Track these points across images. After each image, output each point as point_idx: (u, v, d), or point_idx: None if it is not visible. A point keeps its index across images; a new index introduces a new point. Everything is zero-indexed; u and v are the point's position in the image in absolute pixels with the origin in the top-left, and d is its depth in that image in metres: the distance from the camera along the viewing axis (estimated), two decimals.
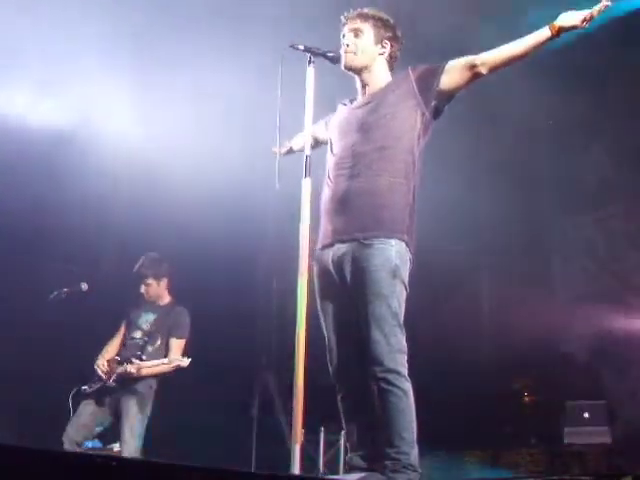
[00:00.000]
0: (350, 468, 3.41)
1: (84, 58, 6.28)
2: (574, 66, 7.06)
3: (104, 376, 5.67)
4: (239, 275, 7.59)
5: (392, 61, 3.64)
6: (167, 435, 6.73)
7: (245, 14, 6.22)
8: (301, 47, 3.46)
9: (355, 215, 3.37)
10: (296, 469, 3.13)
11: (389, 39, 3.61)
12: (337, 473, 6.56)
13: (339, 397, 3.44)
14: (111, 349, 5.88)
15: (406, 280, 3.34)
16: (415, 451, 3.21)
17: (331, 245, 3.40)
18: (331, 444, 7.18)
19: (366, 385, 3.28)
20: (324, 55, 3.53)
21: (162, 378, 5.78)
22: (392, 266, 3.27)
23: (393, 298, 3.26)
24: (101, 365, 5.71)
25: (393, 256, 3.28)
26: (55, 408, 6.14)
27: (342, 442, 7.12)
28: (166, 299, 6.00)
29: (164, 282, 5.97)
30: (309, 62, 3.48)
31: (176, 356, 5.62)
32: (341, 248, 3.37)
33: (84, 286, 6.09)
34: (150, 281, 5.91)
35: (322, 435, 7.17)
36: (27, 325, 6.49)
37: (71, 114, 6.61)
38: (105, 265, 7.14)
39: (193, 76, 6.53)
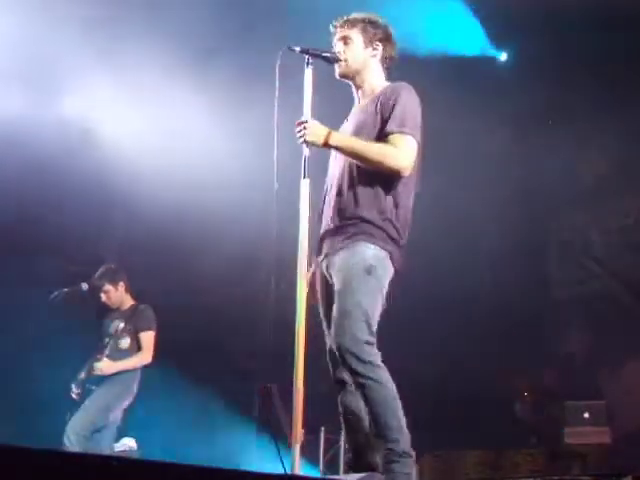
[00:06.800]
0: (350, 468, 3.41)
1: (96, 60, 6.31)
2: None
3: (76, 397, 5.86)
4: (240, 275, 7.60)
5: (387, 61, 3.61)
6: (167, 434, 6.74)
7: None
8: (297, 49, 3.47)
9: (344, 227, 3.38)
10: (296, 469, 3.13)
11: (380, 40, 3.56)
12: (337, 473, 6.56)
13: (339, 399, 3.44)
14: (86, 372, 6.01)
15: (383, 282, 3.30)
16: (405, 437, 3.20)
17: (327, 255, 3.42)
18: (331, 444, 7.18)
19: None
20: (321, 56, 3.53)
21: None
22: (366, 265, 3.26)
23: (364, 294, 3.24)
24: (74, 387, 5.90)
25: (369, 256, 3.28)
26: (54, 408, 6.15)
27: (342, 442, 7.13)
28: (129, 302, 6.14)
29: (121, 286, 6.10)
30: (307, 64, 3.49)
31: (148, 348, 5.88)
32: (331, 255, 3.40)
33: (84, 286, 6.12)
34: (107, 287, 6.06)
35: (322, 435, 7.17)
36: (27, 325, 6.50)
37: (72, 115, 6.60)
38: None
39: (194, 77, 6.54)
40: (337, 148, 3.41)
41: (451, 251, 7.74)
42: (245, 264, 7.57)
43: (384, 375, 3.22)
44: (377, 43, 3.57)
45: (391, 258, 3.34)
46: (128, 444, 5.98)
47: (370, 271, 3.26)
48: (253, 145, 6.64)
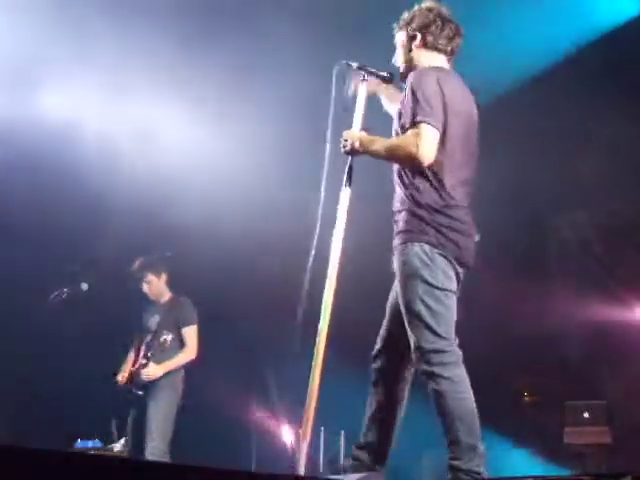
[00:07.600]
0: (354, 460, 3.41)
1: (96, 57, 6.30)
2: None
3: (125, 381, 5.75)
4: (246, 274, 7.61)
5: (438, 44, 3.49)
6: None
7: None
8: (355, 65, 3.56)
9: (396, 222, 3.39)
10: (302, 467, 3.14)
11: (418, 28, 3.50)
12: (337, 473, 6.56)
13: (371, 390, 3.45)
14: (127, 365, 5.92)
15: (432, 278, 3.24)
16: (475, 455, 3.09)
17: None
18: (331, 444, 7.19)
19: (395, 385, 3.39)
20: (376, 75, 3.61)
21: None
22: (412, 269, 3.24)
23: (417, 302, 3.23)
24: (120, 377, 5.80)
25: (412, 258, 3.25)
26: (54, 408, 6.14)
27: (342, 442, 7.14)
28: (167, 295, 6.08)
29: (163, 278, 6.05)
30: (362, 79, 3.57)
31: (192, 344, 5.81)
32: (392, 258, 3.41)
33: (84, 286, 6.10)
34: (150, 277, 6.00)
35: (322, 435, 7.17)
36: (27, 325, 6.49)
37: (73, 114, 6.59)
38: (105, 265, 7.12)
39: (192, 76, 6.54)
40: (365, 153, 3.43)
41: None
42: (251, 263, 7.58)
43: (448, 385, 3.18)
44: (415, 33, 3.52)
45: (445, 249, 3.28)
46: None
47: (416, 274, 3.24)
48: (253, 146, 6.65)
